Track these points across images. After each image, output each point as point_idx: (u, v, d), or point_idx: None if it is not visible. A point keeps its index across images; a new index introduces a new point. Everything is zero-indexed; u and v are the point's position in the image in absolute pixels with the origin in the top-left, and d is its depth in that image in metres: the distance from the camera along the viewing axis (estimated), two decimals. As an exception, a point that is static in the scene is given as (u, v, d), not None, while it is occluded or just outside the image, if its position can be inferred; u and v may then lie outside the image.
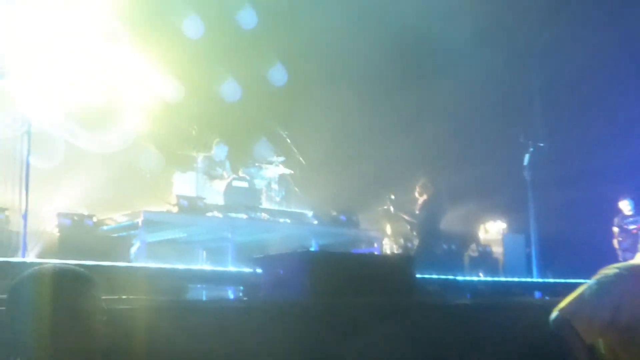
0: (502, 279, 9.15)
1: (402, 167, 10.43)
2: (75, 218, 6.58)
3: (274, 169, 9.04)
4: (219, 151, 8.80)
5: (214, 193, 8.28)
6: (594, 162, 11.83)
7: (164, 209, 7.30)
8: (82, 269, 2.17)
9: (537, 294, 8.06)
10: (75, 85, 9.63)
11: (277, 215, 8.32)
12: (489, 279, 8.94)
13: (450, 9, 11.78)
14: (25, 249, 5.10)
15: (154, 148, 9.49)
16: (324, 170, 10.26)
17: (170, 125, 9.55)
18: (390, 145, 11.24)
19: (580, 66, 11.92)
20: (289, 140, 9.46)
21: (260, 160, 9.11)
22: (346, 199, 9.88)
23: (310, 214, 8.57)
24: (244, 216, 7.79)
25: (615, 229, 11.05)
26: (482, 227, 11.34)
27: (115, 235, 7.06)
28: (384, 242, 9.46)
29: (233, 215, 7.68)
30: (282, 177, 9.14)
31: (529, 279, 8.62)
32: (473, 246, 10.33)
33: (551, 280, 8.49)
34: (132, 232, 6.93)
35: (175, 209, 7.14)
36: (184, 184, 8.45)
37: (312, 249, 8.12)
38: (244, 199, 8.08)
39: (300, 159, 9.42)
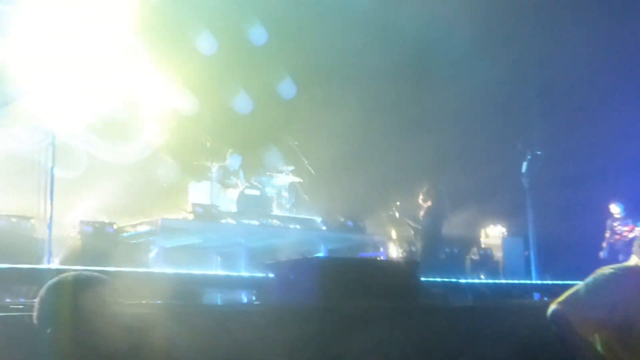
0: (503, 281, 9.09)
1: (406, 175, 10.40)
2: (97, 225, 6.58)
3: (284, 178, 9.03)
4: (233, 161, 8.81)
5: (228, 201, 8.28)
6: (588, 169, 11.80)
7: (181, 217, 7.30)
8: (105, 276, 2.17)
9: (536, 295, 8.02)
10: (96, 99, 9.67)
11: (288, 222, 8.30)
12: (490, 281, 8.89)
13: (450, 21, 11.78)
14: (50, 255, 5.11)
15: (171, 159, 9.50)
16: (331, 178, 10.26)
17: (186, 137, 9.57)
18: (395, 154, 11.23)
19: (574, 78, 11.91)
20: (298, 150, 9.47)
21: (271, 170, 9.10)
22: (353, 205, 9.85)
23: (318, 220, 8.55)
24: (256, 222, 7.78)
25: (608, 232, 11.02)
26: (482, 231, 11.29)
27: (135, 241, 7.06)
28: (389, 246, 9.44)
29: (245, 221, 7.67)
30: (291, 185, 9.13)
31: (528, 281, 8.58)
32: (474, 250, 10.28)
33: (549, 282, 8.44)
34: (150, 238, 6.93)
35: (191, 216, 7.14)
36: (199, 192, 8.45)
37: (321, 253, 8.11)
38: (255, 207, 8.07)
39: (309, 167, 9.43)
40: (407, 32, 11.81)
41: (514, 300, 6.75)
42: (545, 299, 7.27)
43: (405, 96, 11.87)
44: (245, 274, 6.52)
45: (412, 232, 9.36)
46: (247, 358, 3.38)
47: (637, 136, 11.74)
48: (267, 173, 9.00)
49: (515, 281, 8.69)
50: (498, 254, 10.49)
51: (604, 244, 11.00)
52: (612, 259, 10.34)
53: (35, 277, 4.01)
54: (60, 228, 6.39)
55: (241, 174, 8.89)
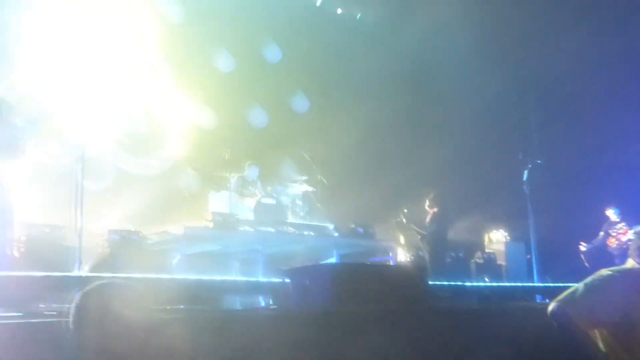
0: (506, 284, 9.01)
1: (413, 184, 10.37)
2: (124, 234, 6.58)
3: (298, 187, 9.02)
4: (251, 172, 8.83)
5: (245, 209, 8.28)
6: (586, 176, 11.73)
7: (201, 225, 7.28)
8: (135, 284, 2.17)
9: (538, 297, 7.94)
10: (122, 116, 9.74)
11: (302, 229, 8.27)
12: (494, 284, 8.82)
13: (453, 37, 11.78)
14: (80, 262, 5.12)
15: (192, 170, 9.52)
16: (342, 187, 10.24)
17: (206, 150, 9.60)
18: (402, 164, 11.20)
19: (570, 90, 11.86)
20: (311, 162, 9.46)
21: (286, 180, 9.10)
22: (363, 212, 9.81)
23: (331, 227, 8.51)
24: (272, 230, 7.75)
25: (601, 234, 10.94)
26: (486, 236, 11.22)
27: (159, 248, 7.06)
28: (398, 251, 9.39)
29: (262, 229, 7.65)
30: (305, 194, 9.12)
31: (530, 284, 8.49)
32: (479, 254, 10.19)
33: (550, 284, 8.36)
34: (173, 245, 6.92)
35: (211, 225, 7.13)
36: (219, 202, 8.46)
37: (333, 258, 8.08)
38: (271, 215, 8.07)
39: (322, 178, 9.41)
40: (413, 49, 11.82)
41: (517, 302, 6.68)
42: (547, 300, 7.17)
43: (411, 109, 11.86)
44: (262, 279, 6.49)
45: (419, 238, 9.30)
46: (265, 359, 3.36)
47: (631, 143, 11.66)
48: (282, 183, 9.01)
49: (518, 284, 8.62)
50: (501, 258, 10.40)
51: (583, 244, 10.98)
52: (594, 261, 10.37)
53: (66, 284, 4.02)
54: (89, 236, 6.42)
55: (259, 184, 8.90)
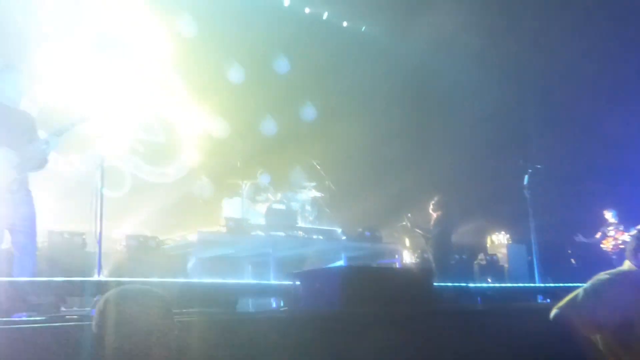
0: (508, 284, 8.94)
1: (418, 189, 10.34)
2: (141, 239, 6.60)
3: (307, 193, 9.02)
4: (263, 179, 8.86)
5: (257, 215, 8.28)
6: (584, 180, 11.67)
7: (215, 230, 7.30)
8: (156, 289, 2.16)
9: (540, 297, 7.87)
10: (139, 127, 9.80)
11: (311, 233, 8.26)
12: (497, 285, 8.75)
13: (453, 48, 11.78)
14: (100, 267, 5.12)
15: (206, 178, 9.54)
16: (350, 193, 10.23)
17: (219, 158, 9.62)
18: (407, 170, 11.19)
19: (570, 98, 11.81)
20: (319, 169, 9.46)
21: (296, 186, 9.10)
22: (370, 217, 9.80)
23: (339, 230, 8.49)
24: (283, 234, 7.75)
25: (599, 234, 10.87)
26: (489, 238, 11.17)
27: (175, 253, 7.07)
28: (403, 253, 9.35)
29: (273, 233, 7.65)
30: (314, 200, 9.11)
31: (531, 284, 8.42)
32: (482, 255, 10.14)
33: (551, 284, 8.29)
34: (188, 250, 6.93)
35: (224, 229, 7.14)
36: (231, 207, 8.46)
37: (342, 261, 8.05)
38: (282, 220, 8.05)
39: (330, 184, 9.40)
40: (417, 59, 11.84)
41: (519, 302, 6.62)
42: (548, 300, 7.13)
43: (415, 118, 11.86)
44: (274, 282, 6.48)
45: (425, 240, 9.26)
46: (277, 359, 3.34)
47: (629, 147, 11.59)
48: (292, 189, 9.01)
49: (520, 284, 8.55)
50: (503, 260, 10.34)
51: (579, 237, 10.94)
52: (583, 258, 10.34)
53: (87, 288, 4.02)
54: (108, 242, 6.43)
55: (271, 190, 8.91)
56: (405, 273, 5.76)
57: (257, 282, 6.85)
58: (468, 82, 11.96)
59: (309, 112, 11.30)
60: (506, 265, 10.25)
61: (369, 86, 11.51)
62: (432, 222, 8.98)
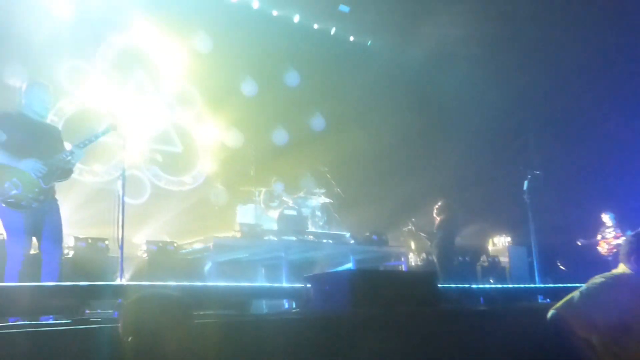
0: (510, 285, 8.88)
1: (422, 194, 10.31)
2: (160, 244, 6.61)
3: (317, 199, 9.01)
4: (277, 187, 8.86)
5: (270, 220, 8.28)
6: (582, 185, 11.60)
7: (230, 235, 7.31)
8: (177, 293, 2.16)
9: (540, 297, 7.80)
10: (158, 137, 9.86)
11: (321, 237, 8.25)
12: (499, 285, 8.69)
13: (454, 59, 11.77)
14: (122, 271, 5.15)
15: (221, 185, 9.58)
16: (357, 199, 10.22)
17: (233, 167, 9.65)
18: (412, 177, 11.17)
19: (568, 106, 11.76)
20: (328, 176, 9.45)
21: (306, 192, 9.09)
22: (377, 221, 9.78)
23: (347, 235, 8.48)
24: (294, 238, 7.74)
25: (599, 236, 10.78)
26: (490, 241, 11.11)
27: (191, 257, 7.09)
28: (409, 256, 9.31)
29: (285, 238, 7.65)
30: (323, 206, 9.09)
31: (531, 285, 8.36)
32: (484, 257, 10.08)
33: (551, 285, 8.22)
34: (205, 254, 6.93)
35: (238, 234, 7.14)
36: (245, 214, 8.47)
37: (350, 264, 8.03)
38: (293, 225, 8.05)
39: (338, 190, 9.40)
40: (421, 71, 11.85)
41: (520, 302, 6.56)
42: (548, 300, 7.07)
43: (419, 127, 11.85)
44: (286, 284, 6.47)
45: (429, 244, 9.22)
46: (289, 359, 3.34)
47: (626, 151, 11.51)
48: (303, 195, 9.01)
49: (521, 285, 8.49)
50: (504, 261, 10.27)
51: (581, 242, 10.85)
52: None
53: (110, 292, 4.04)
54: (130, 247, 6.46)
55: (283, 197, 8.91)
56: (410, 275, 5.72)
57: (270, 285, 6.84)
58: (470, 92, 11.94)
59: (318, 122, 11.33)
60: (507, 267, 10.19)
61: (374, 97, 11.53)
62: (435, 226, 8.95)
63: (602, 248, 10.65)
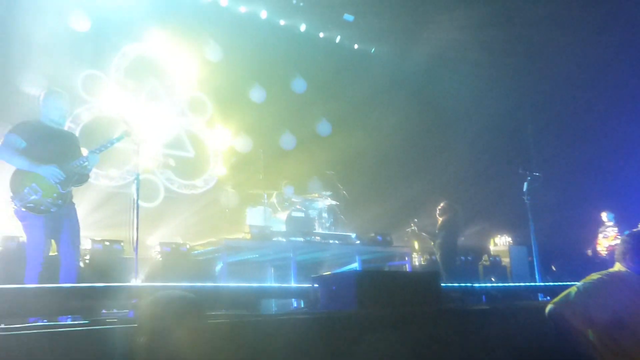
0: (511, 284, 8.83)
1: (425, 196, 10.29)
2: (173, 246, 6.62)
3: (324, 201, 9.00)
4: (287, 190, 8.87)
5: (278, 222, 8.28)
6: (581, 186, 11.53)
7: (240, 236, 7.31)
8: (191, 294, 2.16)
9: (540, 296, 7.75)
10: (170, 143, 9.89)
11: (328, 238, 8.24)
12: (500, 284, 8.65)
13: (455, 64, 11.74)
14: (137, 272, 5.16)
15: (231, 189, 9.59)
16: (362, 201, 10.21)
17: (243, 171, 9.66)
18: (416, 179, 11.15)
19: (566, 109, 11.69)
20: (335, 179, 9.45)
21: (313, 195, 9.09)
22: (381, 222, 9.77)
23: (353, 235, 8.45)
24: (302, 239, 7.74)
25: (599, 236, 10.71)
26: (492, 240, 11.05)
27: (203, 258, 7.10)
28: (413, 256, 9.28)
29: (293, 239, 7.65)
30: (330, 208, 9.09)
31: (532, 283, 8.31)
32: (485, 257, 10.03)
33: (551, 283, 8.16)
34: (216, 255, 6.95)
35: (248, 236, 7.13)
36: (255, 216, 8.47)
37: (356, 264, 8.02)
38: (301, 226, 8.05)
39: (344, 193, 9.39)
40: (423, 76, 11.82)
41: (521, 300, 6.53)
42: (548, 298, 7.02)
43: (422, 130, 11.83)
44: (294, 284, 6.46)
45: (432, 244, 9.19)
46: (297, 357, 3.33)
47: (625, 153, 11.43)
48: (310, 198, 9.01)
49: (522, 284, 8.44)
50: (506, 260, 10.22)
51: (591, 251, 10.75)
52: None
53: (125, 292, 4.05)
54: (144, 249, 6.48)
55: (293, 199, 8.92)
56: (413, 275, 5.69)
57: (279, 285, 6.83)
58: (471, 95, 11.90)
59: (324, 127, 11.34)
60: (509, 266, 10.13)
61: (378, 102, 11.53)
62: (438, 226, 8.92)
63: (600, 247, 10.58)
